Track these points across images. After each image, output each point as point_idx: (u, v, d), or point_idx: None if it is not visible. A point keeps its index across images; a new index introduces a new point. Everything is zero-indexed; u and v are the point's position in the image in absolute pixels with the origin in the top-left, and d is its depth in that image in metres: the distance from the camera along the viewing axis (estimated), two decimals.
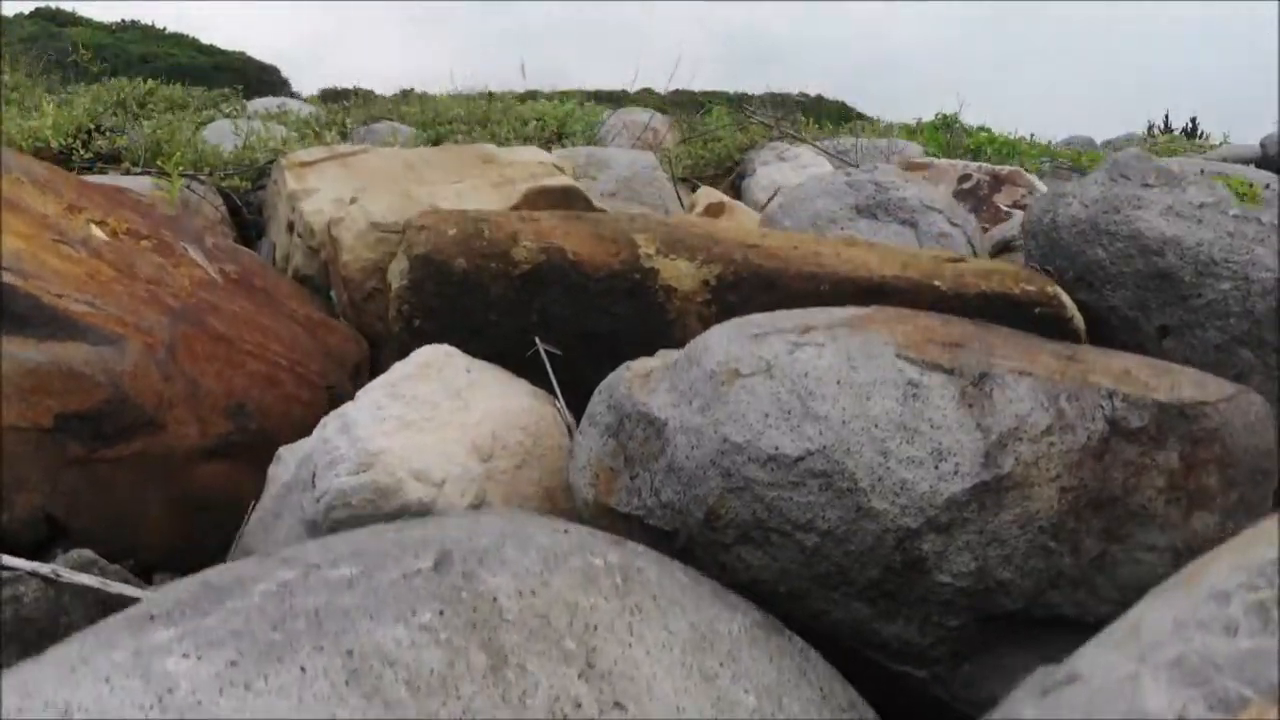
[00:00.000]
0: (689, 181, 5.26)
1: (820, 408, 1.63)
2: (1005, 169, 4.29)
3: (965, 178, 4.27)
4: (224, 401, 2.39)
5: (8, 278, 2.14)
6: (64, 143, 4.38)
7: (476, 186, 3.57)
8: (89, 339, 2.15)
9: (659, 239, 2.45)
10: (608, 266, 2.37)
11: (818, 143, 6.82)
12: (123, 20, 36.40)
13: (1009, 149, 6.33)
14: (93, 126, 4.51)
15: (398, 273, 2.53)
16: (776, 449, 1.61)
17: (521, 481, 2.10)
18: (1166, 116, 12.50)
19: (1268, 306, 2.20)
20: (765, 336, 1.81)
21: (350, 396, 2.91)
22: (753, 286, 2.34)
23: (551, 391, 2.37)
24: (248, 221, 4.56)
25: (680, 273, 2.36)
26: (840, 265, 2.38)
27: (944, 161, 4.39)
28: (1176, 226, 2.36)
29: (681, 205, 4.86)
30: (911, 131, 8.12)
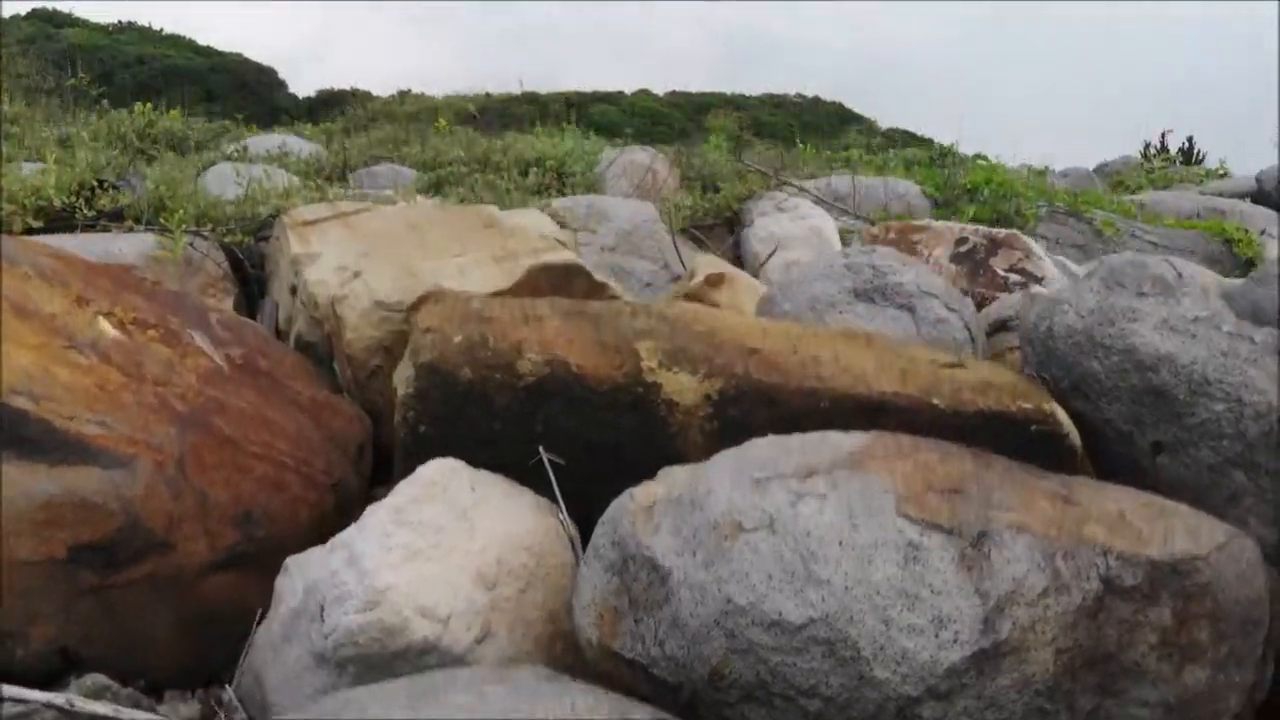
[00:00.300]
0: (689, 232, 5.29)
1: (823, 571, 1.67)
2: (1002, 232, 4.33)
3: (962, 240, 4.30)
4: (232, 511, 2.42)
5: (20, 402, 2.18)
6: (66, 201, 4.40)
7: (479, 260, 3.60)
8: (100, 462, 2.18)
9: (661, 349, 2.49)
10: (611, 379, 2.41)
11: (814, 182, 6.86)
12: (119, 21, 36.31)
13: (1006, 189, 6.37)
14: (95, 183, 4.52)
15: (404, 379, 2.56)
16: (780, 614, 1.65)
17: (525, 606, 2.13)
18: (1163, 136, 12.55)
19: (1260, 430, 2.24)
20: (767, 484, 1.85)
21: (354, 488, 2.96)
22: (754, 402, 2.38)
23: (555, 500, 2.41)
24: (250, 277, 4.58)
25: (682, 387, 2.40)
26: (839, 377, 2.42)
27: (941, 224, 4.43)
28: (1171, 342, 2.40)
29: (681, 262, 4.89)
30: (908, 166, 8.16)
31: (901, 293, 3.25)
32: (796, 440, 2.08)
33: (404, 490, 2.23)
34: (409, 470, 2.51)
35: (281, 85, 40.49)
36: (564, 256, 3.59)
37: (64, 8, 36.09)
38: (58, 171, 4.51)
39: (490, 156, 6.35)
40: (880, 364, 2.53)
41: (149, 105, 9.16)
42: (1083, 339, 2.51)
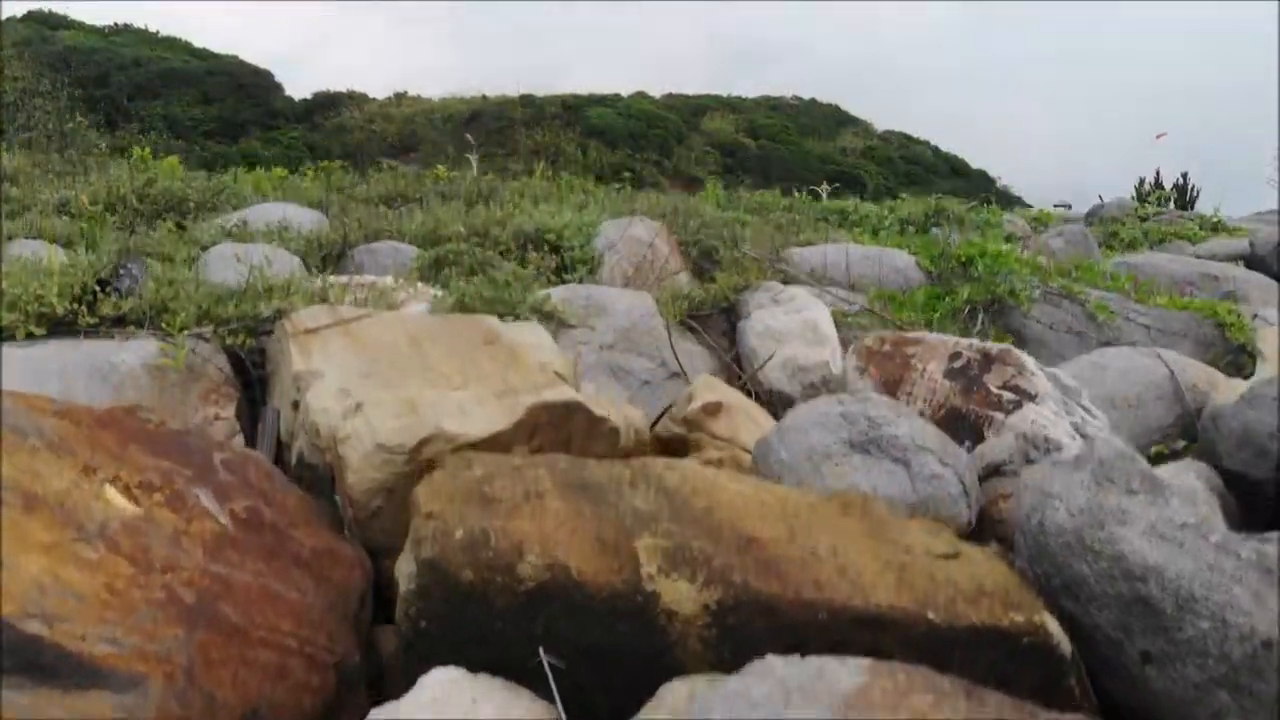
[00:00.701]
0: (686, 324, 5.35)
1: None
2: (995, 347, 4.38)
3: (955, 355, 4.35)
4: (239, 710, 2.47)
5: (34, 627, 2.22)
6: (69, 307, 4.44)
7: (480, 397, 3.64)
8: (112, 685, 2.23)
9: (660, 548, 2.54)
10: (610, 586, 2.46)
11: (811, 250, 6.91)
12: (115, 23, 36.39)
13: (1000, 265, 6.42)
14: (97, 287, 4.57)
15: (405, 575, 2.61)
16: None
17: None
18: (1158, 174, 12.62)
19: (1244, 652, 2.30)
20: None
21: (356, 662, 3.00)
22: (752, 611, 2.43)
23: (554, 703, 2.46)
24: (252, 379, 4.63)
25: (681, 596, 2.45)
26: (837, 584, 2.47)
27: (934, 337, 4.48)
28: (1159, 552, 2.45)
29: (677, 359, 4.94)
30: (904, 228, 8.22)
31: (896, 446, 3.31)
32: (795, 677, 2.13)
33: (407, 712, 2.28)
34: (410, 665, 2.57)
35: (278, 88, 40.55)
36: (563, 395, 3.63)
37: (60, 9, 36.05)
38: (60, 278, 4.54)
39: (489, 229, 6.40)
40: (877, 562, 2.58)
41: (147, 152, 9.21)
42: (1072, 539, 2.56)
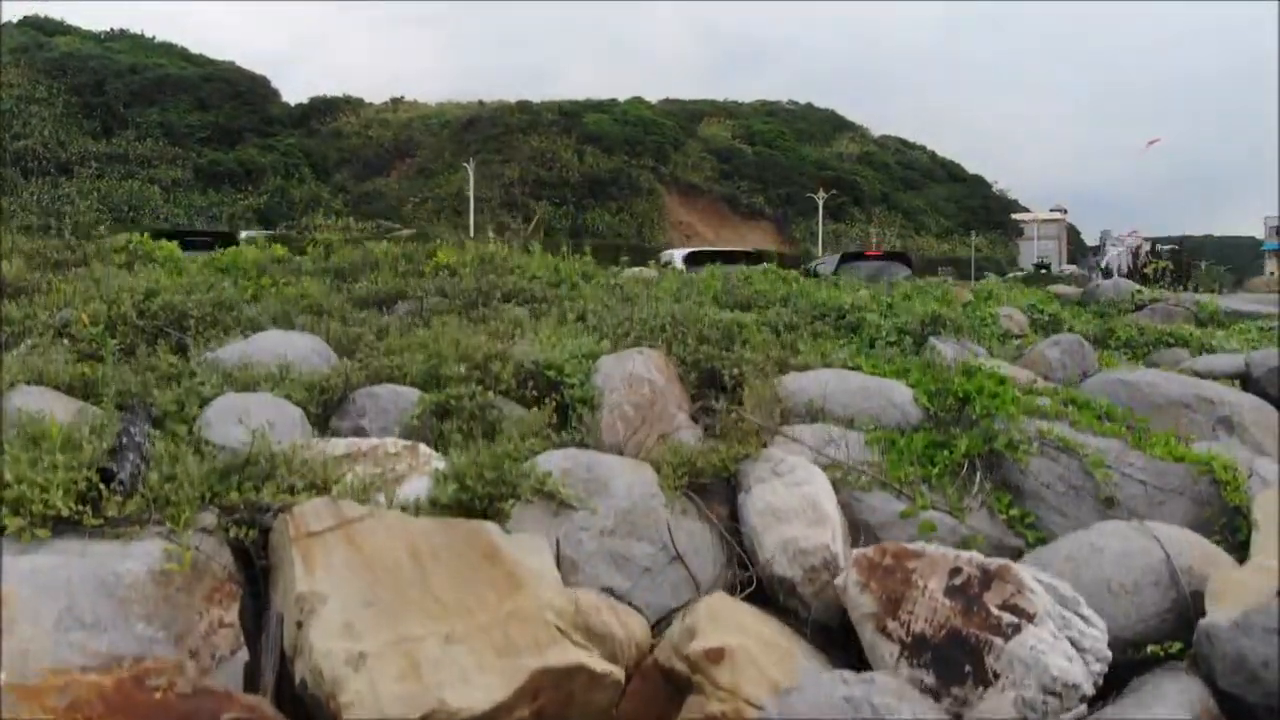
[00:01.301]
0: (687, 494, 5.38)
1: None
2: (994, 564, 4.42)
3: (955, 571, 4.40)
4: None
5: None
6: (73, 509, 4.46)
7: (481, 659, 3.67)
8: None
9: None
10: None
11: (808, 378, 6.95)
12: (111, 29, 36.18)
13: (997, 403, 6.46)
14: (101, 485, 4.58)
15: None
16: None
17: None
18: (1154, 244, 12.67)
19: None
20: None
21: None
22: None
23: None
24: (257, 572, 4.66)
25: None
26: None
27: (936, 551, 4.51)
28: None
29: (678, 551, 4.98)
30: (900, 336, 8.28)
31: None
32: None
33: None
34: None
35: (274, 93, 40.42)
36: (566, 658, 3.68)
37: (56, 14, 35.83)
38: (63, 473, 4.55)
39: (489, 363, 6.44)
40: None
41: (146, 239, 9.23)
42: None
